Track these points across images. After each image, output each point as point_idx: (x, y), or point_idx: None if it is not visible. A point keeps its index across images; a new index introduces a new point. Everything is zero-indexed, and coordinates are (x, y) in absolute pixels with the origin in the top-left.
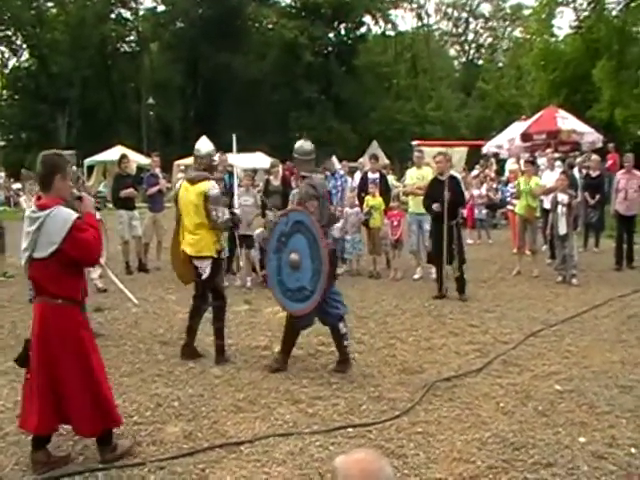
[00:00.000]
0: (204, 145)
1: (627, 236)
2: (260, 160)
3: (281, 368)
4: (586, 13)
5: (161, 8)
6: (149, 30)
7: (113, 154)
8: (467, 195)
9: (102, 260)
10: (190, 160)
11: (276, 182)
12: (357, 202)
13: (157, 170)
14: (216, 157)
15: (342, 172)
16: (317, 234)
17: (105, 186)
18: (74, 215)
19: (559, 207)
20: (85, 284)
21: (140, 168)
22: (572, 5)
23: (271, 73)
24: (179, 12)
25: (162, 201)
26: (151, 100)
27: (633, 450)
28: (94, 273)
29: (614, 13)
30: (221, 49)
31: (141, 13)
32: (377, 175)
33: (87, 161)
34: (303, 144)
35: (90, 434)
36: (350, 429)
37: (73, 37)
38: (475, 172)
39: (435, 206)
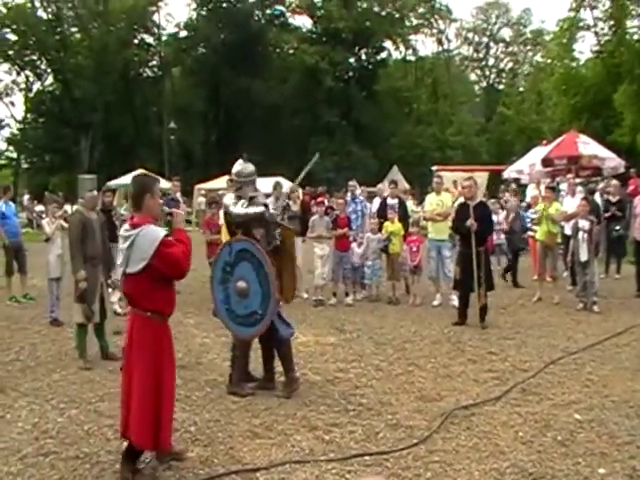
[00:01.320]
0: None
1: None
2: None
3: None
4: (607, 37)
5: (183, 34)
6: (171, 55)
7: None
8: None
9: None
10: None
11: (295, 207)
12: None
13: (178, 194)
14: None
15: (362, 197)
16: (263, 259)
17: (126, 209)
18: (162, 232)
19: (580, 233)
20: (174, 296)
21: (162, 193)
22: (593, 30)
23: (292, 98)
24: (201, 37)
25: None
26: (173, 124)
27: None
28: (114, 297)
29: (635, 37)
30: (242, 74)
31: (163, 38)
32: (396, 201)
33: (109, 184)
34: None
35: (141, 445)
36: (367, 457)
37: (96, 62)
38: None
39: (469, 222)
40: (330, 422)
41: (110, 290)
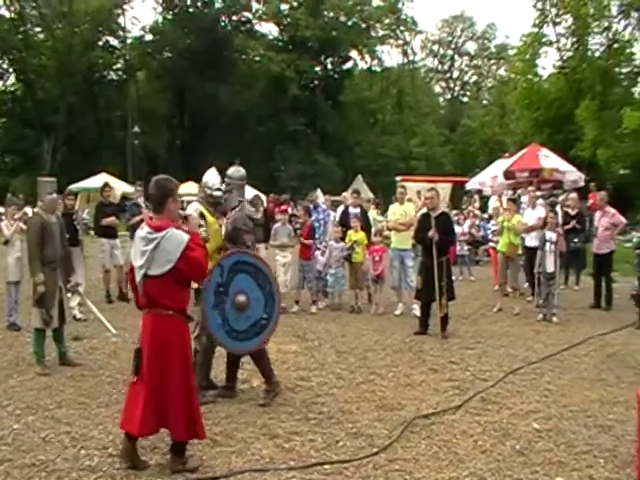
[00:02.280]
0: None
1: (603, 275)
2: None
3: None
4: (570, 54)
5: (149, 37)
6: (136, 59)
7: (97, 181)
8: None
9: (81, 289)
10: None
11: (258, 215)
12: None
13: (140, 199)
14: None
15: (324, 206)
16: (258, 263)
17: (88, 213)
18: (187, 236)
19: (547, 245)
20: (189, 295)
21: (125, 197)
22: (556, 45)
23: (257, 105)
24: (167, 42)
25: None
26: (137, 128)
27: None
28: (73, 302)
29: (597, 54)
30: (208, 80)
31: (129, 41)
32: (358, 210)
33: (71, 188)
34: (237, 169)
35: (184, 438)
36: (327, 466)
37: (60, 63)
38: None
39: (431, 233)
40: (291, 430)
41: (69, 295)
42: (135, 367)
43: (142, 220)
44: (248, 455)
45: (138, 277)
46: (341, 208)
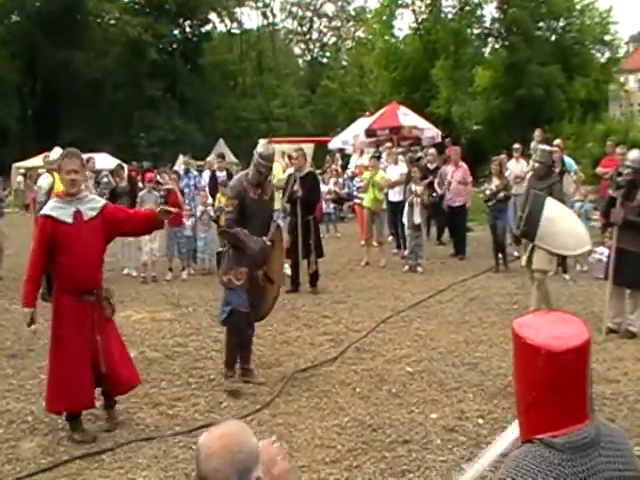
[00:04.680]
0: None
1: (456, 227)
2: (105, 161)
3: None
4: (424, 16)
5: None
6: None
7: None
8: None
9: None
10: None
11: (122, 183)
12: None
13: None
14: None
15: (195, 172)
16: None
17: None
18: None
19: (413, 198)
20: None
21: None
22: (411, 8)
23: (114, 71)
24: (14, 5)
25: (1, 207)
26: None
27: (480, 421)
28: None
29: (450, 16)
30: (60, 45)
31: None
32: (224, 173)
33: None
34: (268, 147)
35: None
36: (212, 427)
37: None
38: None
39: (295, 188)
40: (173, 397)
41: None
42: None
43: None
44: (132, 426)
45: None
46: (207, 173)
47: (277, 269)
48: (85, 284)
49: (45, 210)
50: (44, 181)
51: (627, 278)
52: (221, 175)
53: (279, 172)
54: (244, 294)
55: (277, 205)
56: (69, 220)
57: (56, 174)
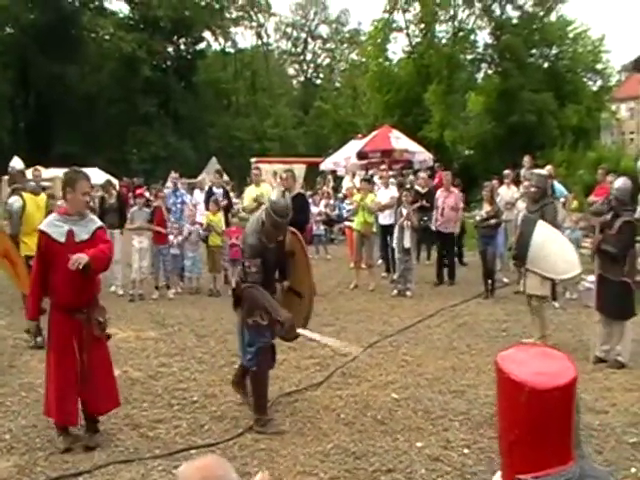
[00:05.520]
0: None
1: (447, 253)
2: (96, 176)
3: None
4: (418, 40)
5: None
6: None
7: None
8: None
9: None
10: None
11: (111, 200)
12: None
13: None
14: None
15: (183, 190)
16: None
17: None
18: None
19: (404, 221)
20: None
21: None
22: (405, 31)
23: (108, 86)
24: (8, 17)
25: None
26: None
27: (466, 450)
28: None
29: (444, 41)
30: (54, 59)
31: None
32: (221, 190)
33: None
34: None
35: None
36: (193, 451)
37: None
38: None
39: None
40: (154, 418)
41: None
42: None
43: None
44: (112, 447)
45: None
46: (198, 191)
47: (304, 279)
48: (73, 303)
49: (42, 225)
50: (15, 204)
51: (607, 307)
52: (218, 192)
53: (268, 192)
54: (267, 330)
55: None
56: (61, 239)
57: (25, 194)
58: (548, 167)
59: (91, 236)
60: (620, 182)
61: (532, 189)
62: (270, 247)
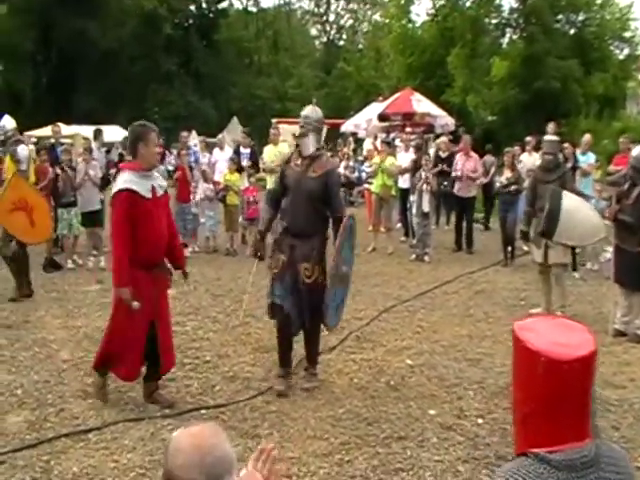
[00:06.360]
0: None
1: (465, 218)
2: (117, 134)
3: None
4: (442, 2)
5: None
6: None
7: None
8: None
9: None
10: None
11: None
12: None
13: None
14: None
15: (196, 148)
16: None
17: None
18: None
19: (423, 185)
20: None
21: None
22: None
23: (129, 43)
24: None
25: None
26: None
27: (480, 420)
28: None
29: (468, 4)
30: (76, 15)
31: None
32: (249, 150)
33: None
34: (314, 109)
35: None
36: (203, 411)
37: None
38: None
39: None
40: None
41: None
42: None
43: None
44: (122, 405)
45: None
46: (218, 150)
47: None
48: (157, 257)
49: (125, 184)
50: (24, 152)
51: (625, 278)
52: (245, 152)
53: (286, 151)
54: (280, 285)
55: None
56: (148, 195)
57: (30, 146)
58: (587, 136)
59: (165, 191)
60: (638, 151)
61: (545, 156)
62: (294, 169)
